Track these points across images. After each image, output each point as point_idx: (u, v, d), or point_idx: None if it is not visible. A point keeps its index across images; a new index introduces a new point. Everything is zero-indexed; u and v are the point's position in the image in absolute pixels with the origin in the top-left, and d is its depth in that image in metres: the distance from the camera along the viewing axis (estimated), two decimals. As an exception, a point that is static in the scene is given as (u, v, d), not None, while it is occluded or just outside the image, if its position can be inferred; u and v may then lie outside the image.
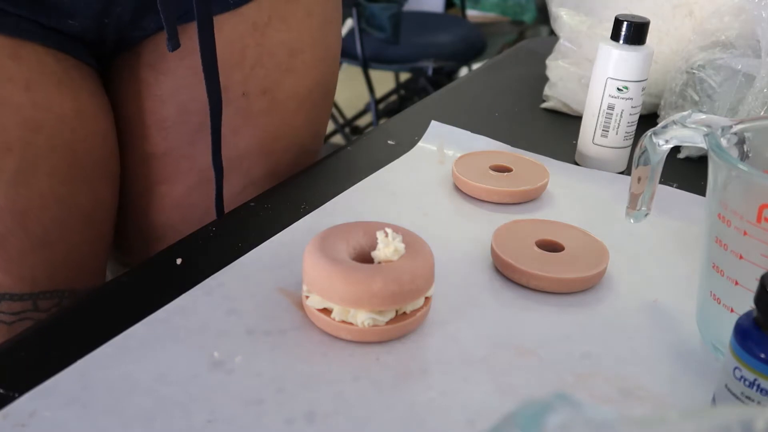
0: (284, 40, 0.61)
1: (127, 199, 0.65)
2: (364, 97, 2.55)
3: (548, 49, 0.90)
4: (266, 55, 0.61)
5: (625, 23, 0.66)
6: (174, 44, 0.54)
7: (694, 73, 0.73)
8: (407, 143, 0.73)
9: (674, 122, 0.49)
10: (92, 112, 0.57)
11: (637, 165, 0.52)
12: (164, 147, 0.62)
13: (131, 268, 0.53)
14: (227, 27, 0.58)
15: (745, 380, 0.36)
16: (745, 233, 0.41)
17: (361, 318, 0.44)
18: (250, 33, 0.60)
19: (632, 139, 0.70)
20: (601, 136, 0.69)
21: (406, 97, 2.70)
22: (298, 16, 0.62)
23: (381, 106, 2.64)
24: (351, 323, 0.45)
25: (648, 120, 0.81)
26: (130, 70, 0.60)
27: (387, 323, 0.45)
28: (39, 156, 0.53)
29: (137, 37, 0.58)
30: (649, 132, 0.51)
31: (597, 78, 0.68)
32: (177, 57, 0.57)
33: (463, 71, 2.59)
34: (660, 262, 0.56)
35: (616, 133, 0.69)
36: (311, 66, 0.64)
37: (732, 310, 0.43)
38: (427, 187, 0.65)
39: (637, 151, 0.52)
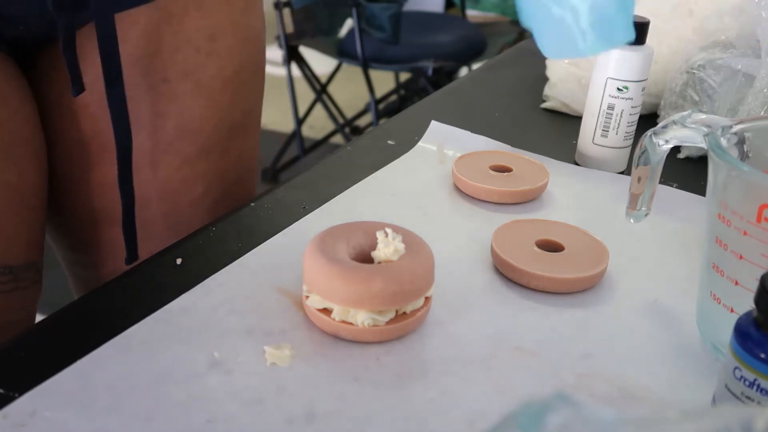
0: (201, 26, 0.64)
1: (63, 182, 0.67)
2: (364, 97, 2.55)
3: (548, 49, 0.90)
4: (184, 41, 0.64)
5: (625, 23, 0.66)
6: (78, 89, 0.57)
7: (694, 73, 0.73)
8: (407, 143, 0.73)
9: (674, 122, 0.49)
10: (12, 95, 0.60)
11: (637, 165, 0.52)
12: (92, 131, 0.64)
13: (77, 251, 0.52)
14: (144, 19, 0.61)
15: (745, 380, 0.36)
16: (745, 233, 0.41)
17: (361, 318, 0.44)
18: (167, 22, 0.62)
19: (632, 139, 0.70)
20: (601, 136, 0.69)
21: (406, 97, 2.69)
22: (216, 4, 0.65)
23: (381, 106, 2.64)
24: (351, 323, 0.45)
25: (648, 120, 0.81)
26: (52, 60, 0.63)
27: (387, 323, 0.45)
28: None
29: (56, 36, 0.61)
30: (649, 132, 0.51)
31: (597, 78, 0.68)
32: (95, 47, 0.59)
33: (463, 71, 2.59)
34: (660, 262, 0.56)
35: (616, 133, 0.69)
36: (234, 48, 0.67)
37: (732, 310, 0.43)
38: (427, 187, 0.65)
39: (637, 151, 0.52)
